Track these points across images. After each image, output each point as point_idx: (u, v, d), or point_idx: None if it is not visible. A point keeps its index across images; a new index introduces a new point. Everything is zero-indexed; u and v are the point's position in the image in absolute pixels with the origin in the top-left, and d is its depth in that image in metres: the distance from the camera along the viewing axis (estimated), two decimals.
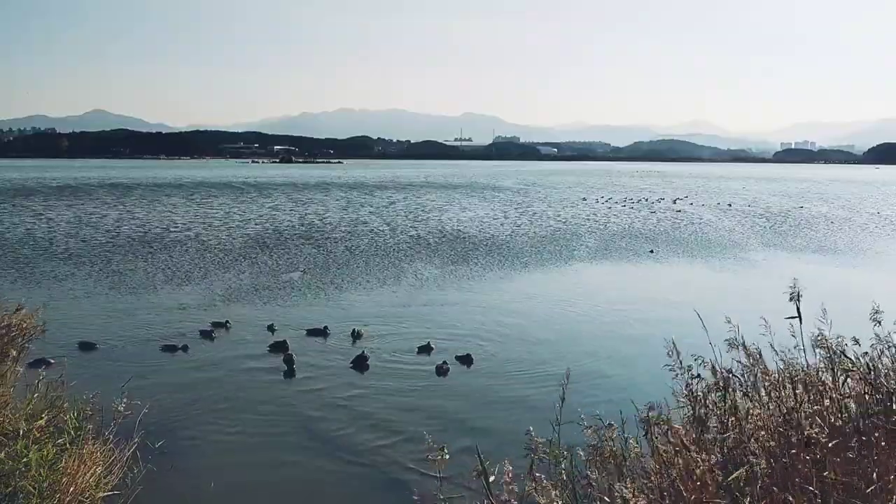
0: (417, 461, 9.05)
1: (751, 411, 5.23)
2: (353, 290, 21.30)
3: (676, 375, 5.54)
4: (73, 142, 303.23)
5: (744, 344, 5.69)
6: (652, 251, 30.32)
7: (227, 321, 16.40)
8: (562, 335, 16.13)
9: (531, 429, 5.41)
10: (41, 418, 7.36)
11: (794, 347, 5.69)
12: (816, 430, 4.71)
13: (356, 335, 15.52)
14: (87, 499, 6.62)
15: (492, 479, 4.91)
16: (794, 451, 4.73)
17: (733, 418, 5.42)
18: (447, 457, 5.16)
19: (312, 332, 15.84)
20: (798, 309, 5.44)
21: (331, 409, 11.39)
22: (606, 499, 4.85)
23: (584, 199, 65.65)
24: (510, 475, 4.82)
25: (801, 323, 5.48)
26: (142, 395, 10.63)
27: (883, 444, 4.61)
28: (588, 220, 45.26)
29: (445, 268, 25.41)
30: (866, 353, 5.47)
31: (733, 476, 4.44)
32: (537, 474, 5.06)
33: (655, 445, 5.24)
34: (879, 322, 5.57)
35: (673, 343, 5.51)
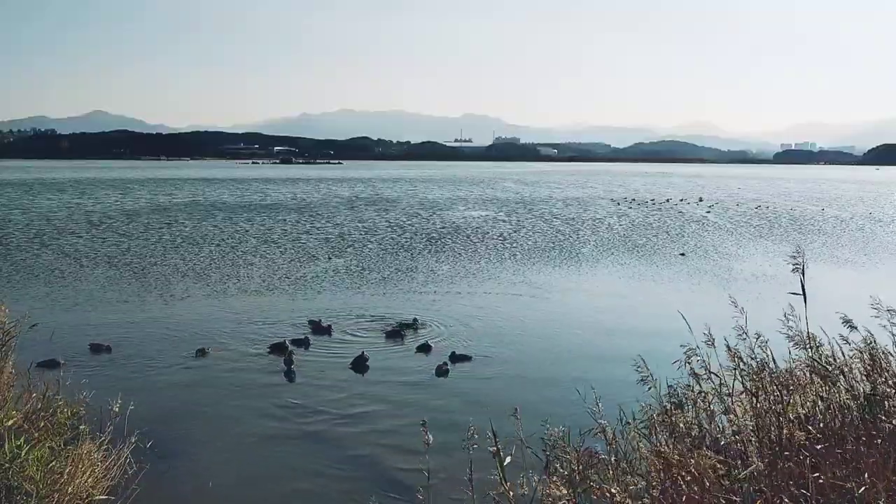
0: (417, 461, 9.01)
1: (746, 412, 5.22)
2: (354, 288, 21.26)
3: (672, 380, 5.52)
4: (74, 143, 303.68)
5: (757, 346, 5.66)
6: (683, 254, 29.67)
7: (329, 325, 16.18)
8: (570, 336, 16.08)
9: (547, 424, 5.38)
10: (40, 418, 7.34)
11: (799, 338, 5.65)
12: (806, 432, 4.71)
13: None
14: (84, 499, 6.60)
15: (507, 460, 4.88)
16: (787, 452, 4.71)
17: (733, 416, 5.41)
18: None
19: (316, 331, 15.86)
20: (803, 285, 5.28)
21: (331, 409, 11.36)
22: (615, 492, 4.82)
23: (612, 200, 65.50)
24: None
25: (805, 302, 5.35)
26: (142, 396, 10.62)
27: (877, 443, 4.60)
28: (607, 223, 45.23)
29: (449, 266, 25.38)
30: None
31: (742, 475, 4.42)
32: (544, 472, 5.05)
33: (656, 446, 5.22)
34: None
35: (703, 339, 5.44)
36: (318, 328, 15.98)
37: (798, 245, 5.54)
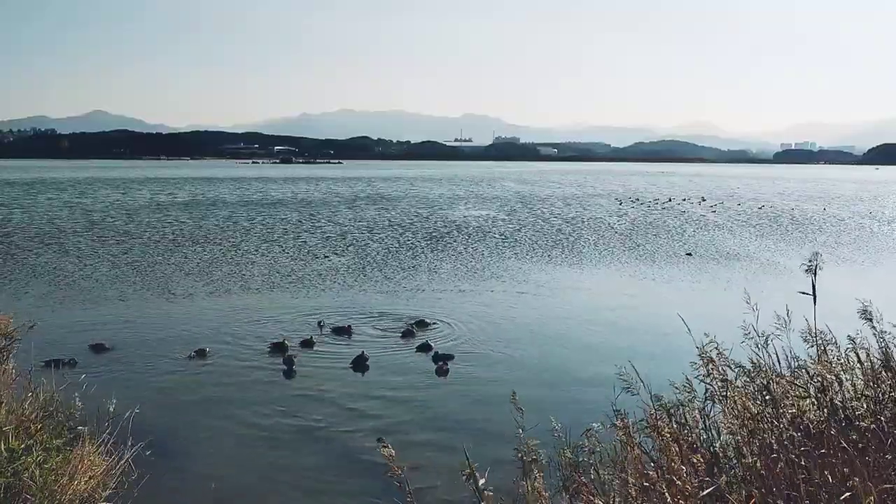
0: (416, 462, 8.98)
1: (744, 413, 5.18)
2: (357, 286, 21.21)
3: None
4: (74, 143, 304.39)
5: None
6: (689, 254, 29.47)
7: (349, 325, 16.26)
8: (573, 337, 16.04)
9: (521, 431, 5.34)
10: (40, 419, 7.30)
11: (805, 340, 5.60)
12: (805, 433, 4.66)
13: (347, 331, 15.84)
14: (86, 500, 6.55)
15: (482, 481, 4.79)
16: (775, 454, 4.67)
17: (731, 418, 5.36)
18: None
19: (337, 332, 15.91)
20: (814, 285, 5.27)
21: (331, 410, 11.31)
22: (599, 502, 4.77)
23: (615, 199, 65.49)
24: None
25: (815, 302, 5.33)
26: (142, 396, 10.60)
27: (873, 447, 4.55)
28: (609, 222, 45.17)
29: (451, 265, 25.32)
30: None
31: (708, 492, 4.35)
32: (530, 477, 4.98)
33: (643, 450, 5.17)
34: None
35: (704, 342, 5.41)
36: (339, 328, 16.05)
37: (814, 250, 5.50)
